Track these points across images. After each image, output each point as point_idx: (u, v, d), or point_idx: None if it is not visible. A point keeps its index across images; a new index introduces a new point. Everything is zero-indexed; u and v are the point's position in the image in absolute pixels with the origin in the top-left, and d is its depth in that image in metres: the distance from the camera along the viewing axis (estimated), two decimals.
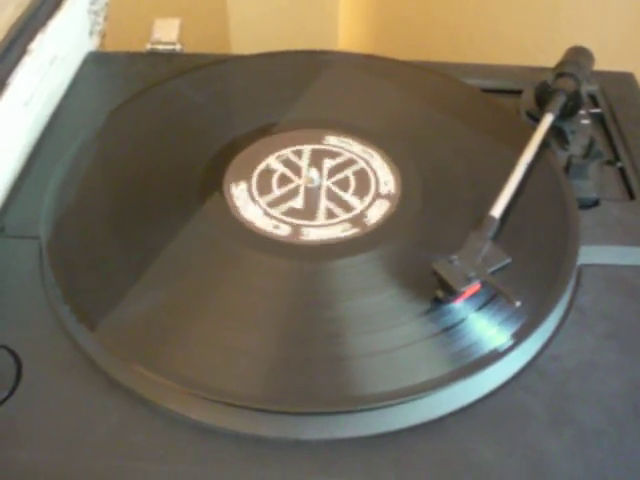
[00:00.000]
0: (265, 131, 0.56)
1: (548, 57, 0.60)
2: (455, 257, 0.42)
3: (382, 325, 0.42)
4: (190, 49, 0.69)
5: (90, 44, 0.68)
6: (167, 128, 0.57)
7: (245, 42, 0.86)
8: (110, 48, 0.73)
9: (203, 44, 0.71)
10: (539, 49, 0.80)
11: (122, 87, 0.63)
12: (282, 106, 0.58)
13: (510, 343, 0.41)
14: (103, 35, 0.72)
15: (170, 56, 0.67)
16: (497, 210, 0.47)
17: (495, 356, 0.41)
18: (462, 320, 0.42)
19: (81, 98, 0.62)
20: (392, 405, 0.39)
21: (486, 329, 0.42)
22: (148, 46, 0.68)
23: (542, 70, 0.60)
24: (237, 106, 0.60)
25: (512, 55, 0.80)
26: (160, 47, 0.68)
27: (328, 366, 0.40)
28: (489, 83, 0.63)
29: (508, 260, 0.43)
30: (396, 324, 0.42)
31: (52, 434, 0.39)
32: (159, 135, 0.56)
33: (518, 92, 0.61)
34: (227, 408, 0.39)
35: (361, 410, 0.39)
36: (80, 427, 0.39)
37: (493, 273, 0.42)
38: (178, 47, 0.68)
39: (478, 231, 0.45)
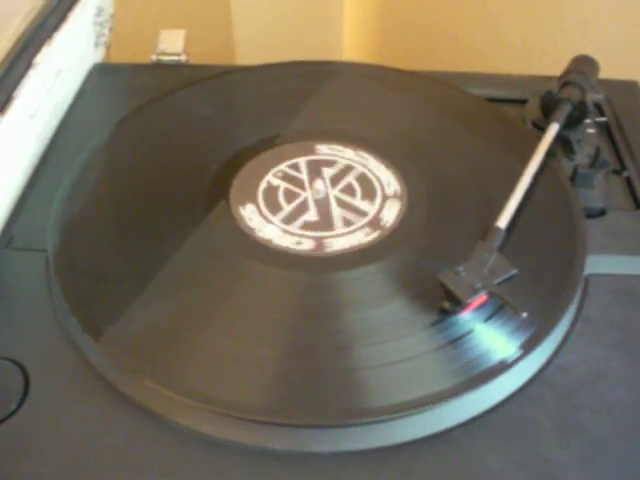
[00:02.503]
0: (271, 142, 0.56)
1: (553, 66, 0.60)
2: (461, 268, 0.42)
3: (389, 337, 0.42)
4: (195, 60, 0.69)
5: (95, 56, 0.69)
6: (173, 140, 0.57)
7: (250, 53, 0.86)
8: (115, 59, 0.73)
9: (208, 55, 0.71)
10: (544, 58, 0.80)
11: (128, 98, 0.63)
12: (288, 117, 0.58)
13: (517, 354, 0.41)
14: (108, 46, 0.72)
15: (175, 67, 0.68)
16: (503, 221, 0.46)
17: (502, 367, 0.41)
18: (469, 332, 0.42)
19: (87, 109, 0.62)
20: (400, 417, 0.39)
21: (493, 340, 0.42)
22: (153, 57, 0.68)
23: (547, 79, 0.60)
24: (244, 116, 0.60)
25: (517, 64, 0.80)
26: (165, 58, 0.68)
27: (336, 378, 0.40)
28: (494, 92, 0.63)
29: (514, 271, 0.43)
30: (403, 336, 0.42)
31: (59, 448, 0.39)
32: (165, 147, 0.56)
33: (523, 101, 0.61)
34: (235, 421, 0.39)
35: (369, 423, 0.39)
36: (88, 441, 0.39)
37: (499, 284, 0.42)
38: (183, 58, 0.68)
39: (484, 242, 0.45)
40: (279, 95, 0.61)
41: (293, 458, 0.39)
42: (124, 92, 0.65)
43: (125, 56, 0.71)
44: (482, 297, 0.42)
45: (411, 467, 0.38)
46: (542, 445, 0.39)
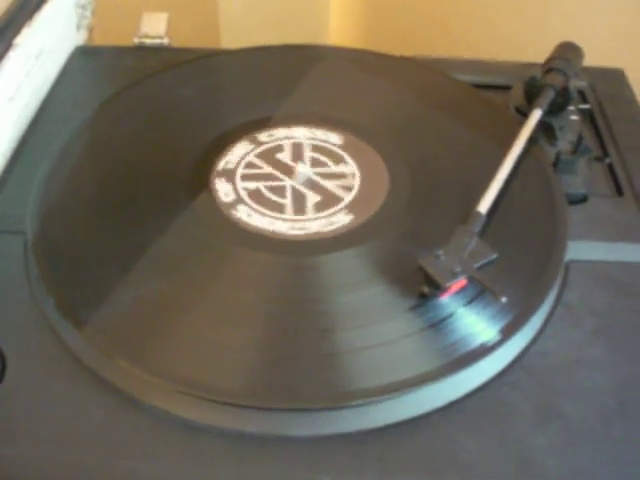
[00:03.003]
0: (253, 126, 0.55)
1: (538, 52, 0.60)
2: (441, 252, 0.42)
3: (369, 321, 0.42)
4: (179, 43, 0.69)
5: (77, 38, 0.68)
6: (155, 123, 0.56)
7: (235, 36, 0.86)
8: (98, 42, 0.72)
9: (192, 38, 0.71)
10: (530, 44, 0.79)
11: (109, 81, 0.62)
12: (271, 101, 0.58)
13: (497, 339, 0.41)
14: (90, 29, 0.71)
15: (158, 50, 0.67)
16: (484, 205, 0.46)
17: (482, 352, 0.41)
18: (449, 316, 0.42)
19: (68, 92, 0.62)
20: (378, 401, 0.39)
21: (473, 325, 0.42)
22: (135, 40, 0.68)
23: (532, 65, 0.60)
24: (227, 100, 0.60)
25: (503, 50, 0.80)
26: (148, 41, 0.68)
27: (314, 362, 0.40)
28: (479, 78, 0.63)
29: (494, 255, 0.43)
30: (383, 320, 0.42)
31: (37, 431, 0.39)
32: (146, 130, 0.56)
33: (508, 87, 0.61)
34: (212, 404, 0.39)
35: (347, 406, 0.39)
36: (65, 424, 0.39)
37: (479, 268, 0.42)
38: (166, 41, 0.68)
39: (464, 226, 0.44)
40: (264, 79, 0.61)
41: (270, 442, 0.38)
42: (106, 75, 0.64)
43: (108, 39, 0.70)
44: (461, 281, 0.41)
45: (390, 451, 0.38)
46: (520, 430, 0.39)
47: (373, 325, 0.42)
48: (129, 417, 0.39)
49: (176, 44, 0.68)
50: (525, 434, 0.39)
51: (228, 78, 0.63)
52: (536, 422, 0.39)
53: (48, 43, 0.60)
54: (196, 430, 0.39)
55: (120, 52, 0.66)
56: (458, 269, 0.41)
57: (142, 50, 0.67)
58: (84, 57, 0.66)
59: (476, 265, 0.42)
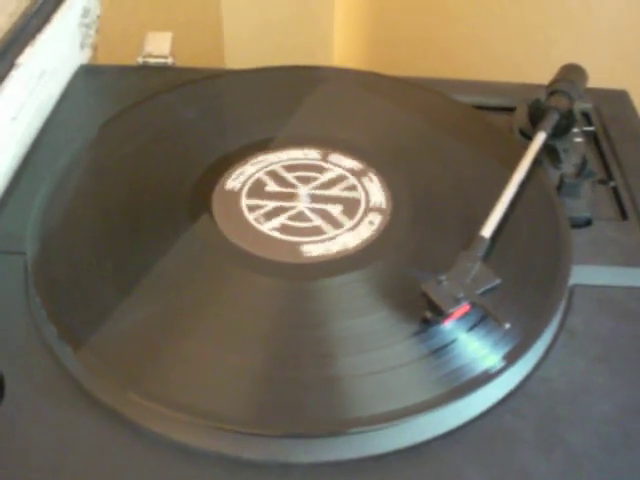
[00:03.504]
0: (256, 147, 0.55)
1: (541, 74, 0.60)
2: (444, 277, 0.42)
3: (370, 346, 0.42)
4: (184, 63, 0.69)
5: (81, 57, 0.68)
6: (157, 144, 0.56)
7: (239, 57, 0.86)
8: (102, 61, 0.72)
9: (197, 58, 0.71)
10: (532, 66, 0.80)
11: (113, 100, 0.62)
12: (275, 122, 0.58)
13: (500, 366, 0.41)
14: (95, 48, 0.71)
15: (162, 70, 0.67)
16: (488, 230, 0.46)
17: (484, 379, 0.40)
18: (451, 342, 0.42)
19: (71, 111, 0.62)
20: (380, 429, 0.38)
21: (475, 351, 0.42)
22: (140, 59, 0.68)
23: (535, 87, 0.60)
24: (230, 121, 0.60)
25: (505, 72, 0.80)
26: (152, 60, 0.68)
27: (315, 388, 0.40)
28: (482, 100, 0.63)
29: (498, 281, 0.42)
30: (385, 345, 0.42)
31: (32, 455, 0.38)
32: (149, 151, 0.56)
33: (511, 109, 0.61)
34: (212, 430, 0.39)
35: (348, 433, 0.38)
36: (61, 448, 0.39)
37: (483, 294, 0.42)
38: (170, 61, 0.68)
39: (468, 251, 0.44)
40: (267, 100, 0.61)
41: (270, 469, 0.38)
42: (109, 94, 0.64)
43: (113, 58, 0.70)
44: (464, 307, 0.41)
45: (390, 479, 0.38)
46: (523, 458, 0.39)
47: (375, 351, 0.41)
48: (126, 441, 0.39)
49: (180, 64, 0.68)
50: (528, 462, 0.38)
51: (232, 99, 0.62)
52: (539, 450, 0.39)
53: (51, 62, 0.60)
54: (194, 455, 0.38)
55: (124, 71, 0.66)
56: (461, 295, 0.41)
57: (146, 69, 0.67)
58: (88, 76, 0.66)
59: (479, 291, 0.42)
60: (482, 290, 0.42)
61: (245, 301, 0.44)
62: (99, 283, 0.46)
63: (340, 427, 0.38)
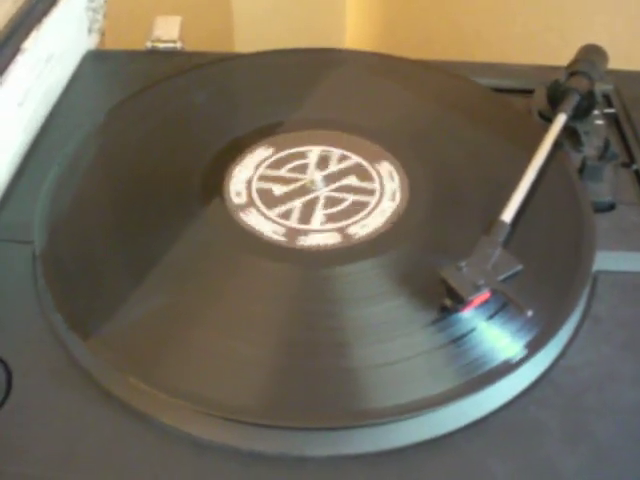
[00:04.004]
0: (268, 131, 0.54)
1: (559, 56, 0.59)
2: (464, 264, 0.40)
3: (388, 335, 0.40)
4: (192, 47, 0.67)
5: (89, 42, 0.67)
6: (168, 127, 0.55)
7: (249, 40, 0.84)
8: (110, 46, 0.71)
9: (206, 42, 0.69)
10: (550, 48, 0.78)
11: (121, 86, 0.61)
12: (287, 106, 0.56)
13: (522, 355, 0.39)
14: (102, 33, 0.70)
15: (171, 54, 0.66)
16: (508, 214, 0.45)
17: (506, 369, 0.39)
18: (472, 330, 0.40)
19: (79, 97, 0.60)
20: (398, 421, 0.37)
21: (497, 340, 0.40)
22: (148, 44, 0.66)
23: (554, 69, 0.58)
24: (241, 105, 0.59)
25: (522, 54, 0.78)
26: (161, 45, 0.66)
27: (332, 378, 0.39)
28: (499, 82, 0.61)
29: (519, 267, 0.41)
30: (403, 334, 0.40)
31: (42, 447, 0.37)
32: (159, 135, 0.54)
33: (529, 92, 0.59)
34: (226, 423, 0.38)
35: (366, 425, 0.37)
36: (71, 440, 0.38)
37: (504, 280, 0.40)
38: (179, 45, 0.66)
39: (488, 236, 0.43)
40: (279, 83, 0.59)
41: (285, 462, 0.37)
42: (117, 79, 0.63)
43: (121, 43, 0.69)
44: (485, 294, 0.40)
45: (410, 473, 0.36)
46: (548, 450, 0.37)
47: (392, 340, 0.40)
48: (137, 434, 0.38)
49: (189, 48, 0.67)
50: (554, 454, 0.37)
51: (243, 82, 0.61)
52: (565, 441, 0.38)
53: (58, 47, 0.59)
54: (207, 449, 0.37)
55: (132, 56, 0.65)
56: (481, 282, 0.39)
57: (155, 54, 0.66)
58: (95, 61, 0.65)
59: (500, 277, 0.40)
60: (503, 276, 0.40)
61: (258, 289, 0.43)
62: (108, 271, 0.45)
63: (358, 419, 0.37)
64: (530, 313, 0.39)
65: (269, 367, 0.40)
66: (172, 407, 0.38)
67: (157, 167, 0.51)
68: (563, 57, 0.58)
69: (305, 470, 0.37)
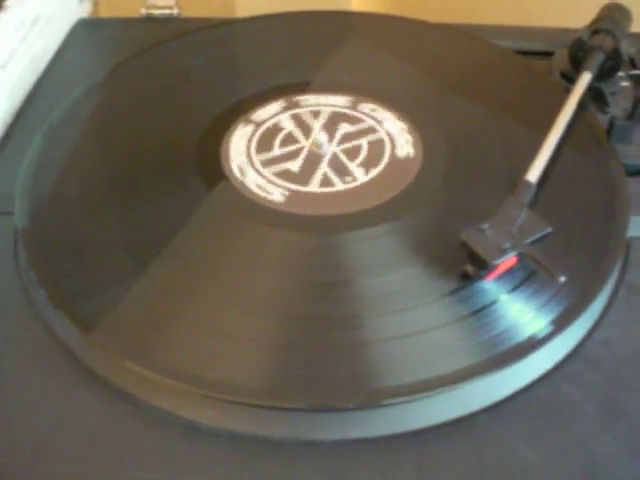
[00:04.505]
0: (270, 95, 0.50)
1: (577, 18, 0.55)
2: (487, 226, 0.37)
3: (403, 306, 0.37)
4: (190, 13, 0.64)
5: (81, 10, 0.64)
6: (161, 95, 0.52)
7: (250, 7, 0.80)
8: (104, 15, 0.68)
9: (204, 8, 0.66)
10: (565, 10, 0.74)
11: (114, 54, 0.58)
12: (290, 69, 0.53)
13: (553, 327, 0.36)
14: (96, 3, 0.66)
15: (167, 21, 0.63)
16: (533, 174, 0.41)
17: (536, 343, 0.35)
18: (496, 300, 0.37)
19: (68, 65, 0.58)
20: (415, 400, 0.34)
21: (524, 311, 0.37)
22: (143, 11, 0.64)
23: (572, 31, 0.55)
24: (242, 70, 0.56)
25: (539, 17, 0.75)
26: (156, 12, 0.64)
27: (340, 354, 0.35)
28: (515, 44, 0.58)
29: (548, 230, 0.37)
30: (419, 305, 0.37)
31: (22, 433, 0.34)
32: (152, 103, 0.51)
33: (547, 54, 0.57)
34: (224, 405, 0.34)
35: (379, 406, 0.34)
36: (53, 425, 0.34)
37: (531, 244, 0.37)
38: (175, 11, 0.64)
39: (513, 197, 0.39)
40: (282, 47, 0.56)
41: (290, 447, 0.33)
42: (110, 48, 0.60)
43: (115, 12, 0.66)
44: (511, 259, 0.36)
45: (429, 458, 0.33)
46: (583, 431, 0.34)
47: (408, 311, 0.37)
48: (125, 418, 0.35)
49: (187, 14, 0.64)
50: (589, 436, 0.34)
51: (246, 46, 0.58)
52: (602, 421, 0.34)
53: (45, 9, 0.55)
54: (204, 434, 0.34)
55: (126, 24, 0.63)
56: (507, 245, 0.36)
57: (150, 21, 0.63)
58: (87, 29, 0.62)
59: (527, 240, 0.36)
60: (530, 240, 0.37)
61: (260, 258, 0.40)
62: (96, 244, 0.41)
63: (370, 398, 0.34)
64: (563, 279, 0.35)
65: (272, 343, 0.36)
66: (165, 388, 0.35)
67: (150, 137, 0.48)
68: (580, 20, 0.55)
69: (312, 456, 0.33)
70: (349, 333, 0.36)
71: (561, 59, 0.55)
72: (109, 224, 0.42)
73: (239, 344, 0.36)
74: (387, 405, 0.34)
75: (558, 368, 0.36)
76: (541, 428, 0.34)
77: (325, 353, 0.35)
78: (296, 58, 0.55)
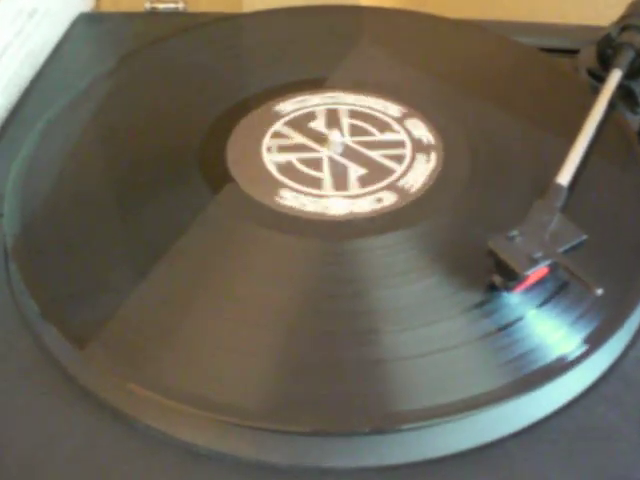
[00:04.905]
0: (276, 93, 0.47)
1: (601, 15, 0.53)
2: (516, 233, 0.34)
3: (422, 321, 0.34)
4: (196, 8, 0.62)
5: (82, 4, 0.61)
6: (164, 92, 0.49)
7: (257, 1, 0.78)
8: (106, 9, 0.65)
9: (211, 3, 0.64)
10: (590, 7, 0.72)
11: (116, 50, 0.55)
12: (297, 67, 0.51)
13: (586, 346, 0.33)
14: None
15: (171, 16, 0.61)
16: (564, 177, 0.38)
17: (569, 364, 0.32)
18: (526, 315, 0.34)
19: (68, 60, 0.55)
20: (436, 425, 0.31)
21: (556, 327, 0.34)
22: (147, 5, 0.61)
23: (596, 28, 0.53)
24: (247, 66, 0.53)
25: (560, 14, 0.72)
26: (161, 6, 0.61)
27: (353, 373, 0.32)
28: (538, 42, 0.55)
29: (584, 237, 0.34)
30: (440, 320, 0.34)
31: (7, 451, 0.32)
32: (154, 100, 0.48)
33: (571, 52, 0.54)
34: (225, 427, 0.31)
35: (396, 431, 0.31)
36: (41, 444, 0.32)
37: (564, 253, 0.34)
38: (181, 6, 0.61)
39: (543, 201, 0.36)
40: (294, 42, 0.54)
41: (297, 475, 0.30)
42: (112, 43, 0.58)
43: (119, 6, 0.64)
44: (542, 269, 0.33)
45: None
46: (623, 459, 0.31)
47: (427, 327, 0.34)
48: (117, 439, 0.32)
49: (192, 9, 0.62)
50: (630, 464, 0.31)
51: (251, 42, 0.55)
52: None
53: (44, 1, 0.53)
54: (203, 458, 0.31)
55: (129, 18, 0.60)
56: (539, 254, 0.33)
57: (154, 16, 0.61)
58: (89, 23, 0.59)
59: (561, 249, 0.33)
60: (564, 248, 0.34)
61: (266, 266, 0.37)
62: (90, 251, 0.38)
63: (386, 422, 0.31)
64: (600, 291, 0.32)
65: (278, 360, 0.33)
66: (162, 409, 0.32)
67: (150, 136, 0.45)
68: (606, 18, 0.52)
69: None
70: (363, 350, 0.33)
71: (587, 57, 0.52)
72: (107, 230, 0.40)
73: (243, 361, 0.33)
74: (405, 430, 0.31)
75: (592, 389, 0.33)
76: (575, 455, 0.31)
77: (336, 372, 0.32)
78: (304, 55, 0.52)
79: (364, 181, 0.41)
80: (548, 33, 0.57)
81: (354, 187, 0.40)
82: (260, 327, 0.34)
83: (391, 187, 0.40)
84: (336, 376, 0.32)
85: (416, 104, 0.46)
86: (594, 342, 0.33)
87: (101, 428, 0.32)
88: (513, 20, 0.59)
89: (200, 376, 0.32)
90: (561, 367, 0.32)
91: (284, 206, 0.39)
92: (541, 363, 0.32)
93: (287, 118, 0.45)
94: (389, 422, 0.31)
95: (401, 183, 0.41)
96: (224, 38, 0.54)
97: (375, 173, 0.41)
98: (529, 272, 0.32)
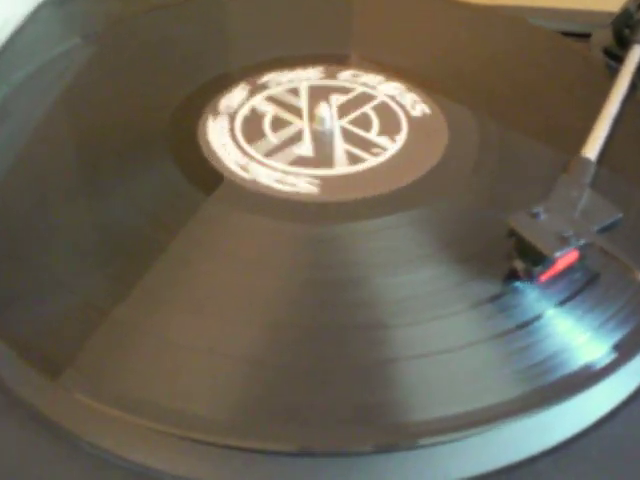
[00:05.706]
0: (261, 67, 0.45)
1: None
2: (541, 209, 0.29)
3: (430, 315, 0.29)
4: None
5: None
6: (129, 70, 0.46)
7: None
8: None
9: None
10: None
11: (85, 30, 0.51)
12: (283, 41, 0.48)
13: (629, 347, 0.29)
14: None
15: None
16: (592, 151, 0.35)
17: (606, 370, 0.28)
18: (552, 309, 0.30)
19: (31, 42, 0.51)
20: (452, 441, 0.26)
21: (588, 326, 0.29)
22: None
23: (603, 13, 0.52)
24: (223, 42, 0.50)
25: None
26: None
27: (349, 378, 0.28)
28: (551, 25, 0.54)
29: (619, 214, 0.30)
30: (447, 314, 0.30)
31: None
32: (126, 77, 0.45)
33: (584, 35, 0.52)
34: (189, 445, 0.26)
35: (403, 449, 0.26)
36: None
37: (599, 232, 0.30)
38: None
39: (570, 175, 0.33)
40: (278, 17, 0.51)
41: None
42: (80, 23, 0.53)
43: None
44: (572, 252, 0.29)
45: None
46: None
47: (434, 321, 0.29)
48: (58, 459, 0.27)
49: None
50: None
51: (235, 19, 0.52)
52: None
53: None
54: None
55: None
56: (570, 232, 0.28)
57: None
58: (55, 3, 0.55)
59: (596, 227, 0.29)
60: (598, 227, 0.30)
61: (248, 253, 0.33)
62: (38, 241, 0.34)
63: (387, 438, 0.26)
64: None
65: (260, 364, 0.28)
66: (107, 421, 0.27)
67: (118, 117, 0.42)
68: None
69: None
70: (360, 349, 0.28)
71: (601, 38, 0.51)
72: (69, 223, 0.35)
73: (210, 361, 0.28)
74: (409, 448, 0.26)
75: (632, 400, 0.29)
76: (615, 474, 0.27)
77: (328, 377, 0.28)
78: (265, 35, 0.49)
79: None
80: (562, 17, 0.56)
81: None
82: (238, 324, 0.30)
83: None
84: (327, 383, 0.28)
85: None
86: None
87: (39, 445, 0.27)
88: (527, 5, 0.57)
89: (160, 383, 0.27)
90: (600, 372, 0.28)
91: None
92: (574, 367, 0.28)
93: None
94: (393, 437, 0.26)
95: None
96: (200, 15, 0.51)
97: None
98: (559, 254, 0.28)
